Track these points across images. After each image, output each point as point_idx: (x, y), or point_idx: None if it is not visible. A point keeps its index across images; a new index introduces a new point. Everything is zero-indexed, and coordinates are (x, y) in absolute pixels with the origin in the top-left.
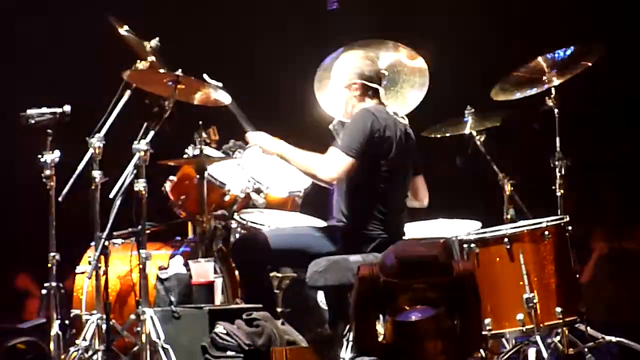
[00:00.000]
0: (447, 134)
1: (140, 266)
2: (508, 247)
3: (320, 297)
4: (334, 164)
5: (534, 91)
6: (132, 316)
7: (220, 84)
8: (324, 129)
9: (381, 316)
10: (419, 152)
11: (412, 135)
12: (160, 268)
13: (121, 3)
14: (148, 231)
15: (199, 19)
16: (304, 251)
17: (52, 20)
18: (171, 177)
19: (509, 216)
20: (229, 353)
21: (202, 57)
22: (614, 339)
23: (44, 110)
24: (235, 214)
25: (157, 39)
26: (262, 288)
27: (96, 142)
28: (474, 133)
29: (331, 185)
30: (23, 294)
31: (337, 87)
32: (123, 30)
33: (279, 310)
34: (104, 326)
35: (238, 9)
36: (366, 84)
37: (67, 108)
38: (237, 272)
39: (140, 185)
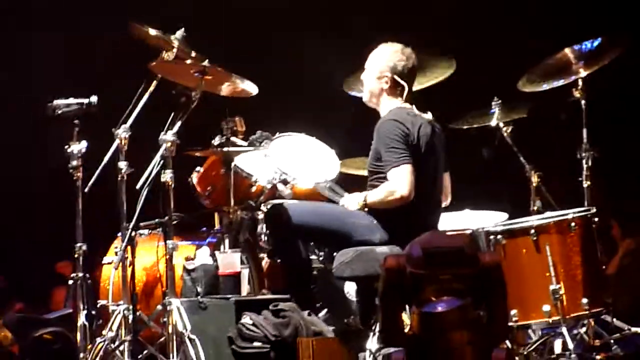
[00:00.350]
0: (474, 125)
1: (167, 257)
2: (534, 238)
3: (347, 287)
4: (400, 181)
5: (561, 82)
6: (159, 307)
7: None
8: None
9: (407, 307)
10: (446, 146)
11: (439, 130)
12: (187, 259)
13: None
14: (175, 222)
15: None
16: (334, 231)
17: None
18: (198, 168)
19: (535, 207)
20: (256, 344)
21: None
22: (639, 329)
23: (71, 100)
24: (262, 204)
25: (183, 29)
26: (296, 254)
27: (122, 132)
28: (501, 124)
29: (409, 199)
30: (60, 280)
31: (368, 75)
32: (150, 33)
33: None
34: (130, 317)
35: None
36: (396, 79)
37: (93, 99)
38: (264, 263)
39: (167, 176)
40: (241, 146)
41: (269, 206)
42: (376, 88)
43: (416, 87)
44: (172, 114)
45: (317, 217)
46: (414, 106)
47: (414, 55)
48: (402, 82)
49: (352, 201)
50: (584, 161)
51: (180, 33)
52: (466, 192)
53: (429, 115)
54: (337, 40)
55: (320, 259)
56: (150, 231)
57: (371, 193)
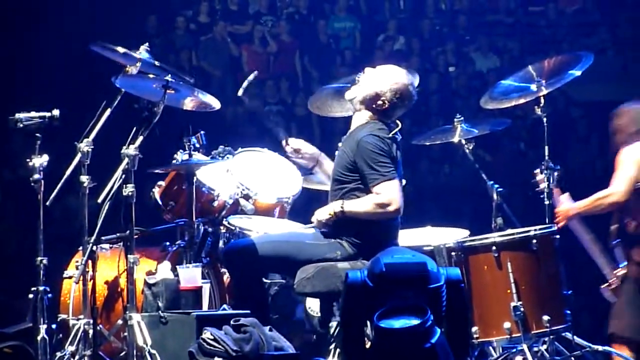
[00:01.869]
0: (437, 142)
1: (128, 271)
2: (496, 255)
3: (309, 303)
4: (394, 195)
5: (522, 100)
6: (120, 321)
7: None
8: None
9: (369, 323)
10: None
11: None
12: (148, 273)
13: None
14: (136, 236)
15: None
16: (294, 258)
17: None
18: (160, 182)
19: (497, 224)
20: (217, 359)
21: None
22: (600, 347)
23: (33, 114)
24: (224, 219)
25: (147, 44)
26: (255, 293)
27: (85, 146)
28: (463, 141)
29: (399, 214)
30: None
31: (363, 88)
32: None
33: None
34: (91, 331)
35: None
36: (394, 102)
37: (56, 112)
38: (225, 277)
39: (129, 190)
40: (203, 161)
41: (223, 250)
42: (364, 104)
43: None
44: (135, 128)
45: (274, 247)
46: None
47: (415, 82)
48: (388, 107)
49: (324, 211)
50: (545, 178)
51: (144, 48)
52: (428, 209)
53: (398, 126)
54: None
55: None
56: (111, 245)
57: (351, 202)
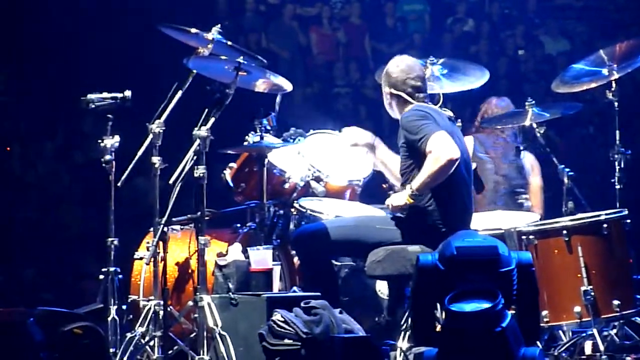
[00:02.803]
0: (508, 126)
1: (199, 253)
2: (566, 239)
3: (379, 286)
4: (444, 145)
5: (593, 84)
6: (190, 303)
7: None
8: None
9: (439, 306)
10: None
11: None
12: (219, 255)
13: None
14: (207, 218)
15: None
16: (364, 242)
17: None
18: (231, 164)
19: (567, 208)
20: (287, 341)
21: None
22: None
23: (105, 95)
24: (295, 201)
25: (219, 26)
26: (325, 277)
27: (156, 127)
28: (534, 125)
29: (457, 161)
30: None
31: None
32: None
33: (341, 298)
34: (161, 312)
35: None
36: (395, 92)
37: (127, 93)
38: (296, 259)
39: (200, 171)
40: (274, 143)
41: (293, 234)
42: (387, 103)
43: (447, 90)
44: (206, 110)
45: (344, 231)
46: (432, 105)
47: (416, 67)
48: (400, 94)
49: (398, 197)
50: (616, 163)
51: (216, 29)
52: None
53: (449, 112)
54: None
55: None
56: (182, 227)
57: (414, 179)
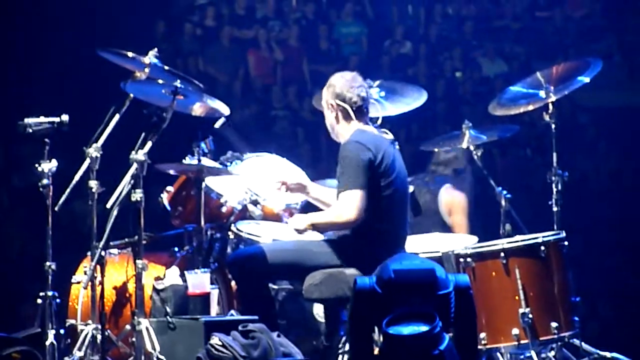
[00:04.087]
0: (445, 148)
1: (137, 276)
2: (504, 261)
3: (317, 309)
4: (349, 205)
5: (531, 107)
6: (128, 326)
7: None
8: None
9: (377, 329)
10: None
11: (398, 150)
12: (157, 279)
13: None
14: (145, 241)
15: None
16: (302, 265)
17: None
18: (168, 188)
19: (505, 231)
20: None
21: None
22: (608, 354)
23: (42, 119)
24: (232, 225)
25: (156, 49)
26: (262, 300)
27: (94, 151)
28: (472, 147)
29: (355, 223)
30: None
31: (324, 109)
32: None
33: (278, 321)
34: (99, 336)
35: None
36: (341, 104)
37: (65, 117)
38: (233, 283)
39: (138, 195)
40: (212, 166)
41: (229, 258)
42: (332, 120)
43: (387, 113)
44: (144, 134)
45: (281, 254)
46: (373, 128)
47: (359, 79)
48: (345, 106)
49: (298, 221)
50: (553, 185)
51: (153, 53)
52: (437, 215)
53: (390, 136)
54: None
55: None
56: (120, 251)
57: (316, 215)
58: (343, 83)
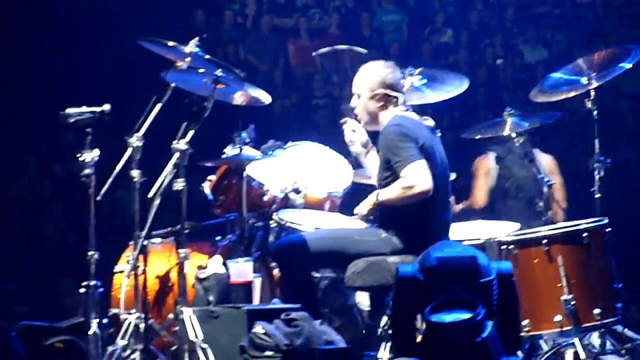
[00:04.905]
0: (487, 136)
1: (179, 265)
2: (546, 248)
3: (359, 297)
4: (419, 176)
5: (572, 93)
6: (171, 315)
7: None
8: None
9: (419, 317)
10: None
11: (439, 137)
12: (199, 267)
13: None
14: (187, 231)
15: None
16: (344, 253)
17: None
18: (210, 177)
19: (547, 218)
20: (267, 353)
21: None
22: None
23: (84, 109)
24: (274, 214)
25: (197, 38)
26: (305, 288)
27: (135, 141)
28: (513, 134)
29: (429, 193)
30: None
31: (360, 99)
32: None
33: (321, 309)
34: (142, 325)
35: None
36: (388, 92)
37: (106, 107)
38: (275, 272)
39: (179, 184)
40: (253, 155)
41: (273, 246)
42: (373, 108)
43: (428, 101)
44: (185, 123)
45: (324, 242)
46: (414, 114)
47: (396, 66)
48: (395, 94)
49: (363, 204)
50: (595, 172)
51: (194, 42)
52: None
53: (431, 122)
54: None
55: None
56: (162, 240)
57: (383, 191)
58: (389, 72)
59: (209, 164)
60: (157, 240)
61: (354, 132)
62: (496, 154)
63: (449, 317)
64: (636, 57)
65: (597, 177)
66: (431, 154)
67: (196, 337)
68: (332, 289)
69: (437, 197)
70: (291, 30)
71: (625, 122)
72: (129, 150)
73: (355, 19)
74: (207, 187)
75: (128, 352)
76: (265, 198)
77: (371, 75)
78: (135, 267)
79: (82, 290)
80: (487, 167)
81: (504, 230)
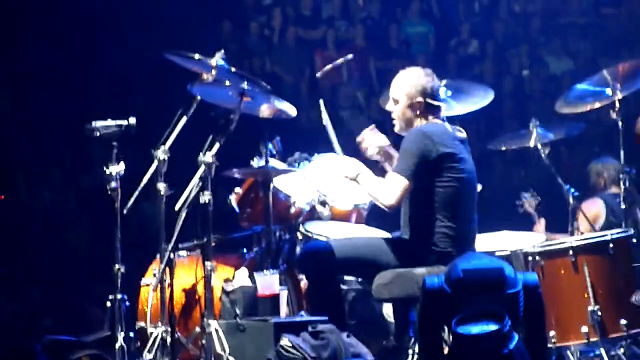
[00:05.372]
0: (512, 147)
1: (206, 278)
2: (573, 259)
3: (386, 309)
4: (391, 190)
5: (598, 105)
6: (198, 329)
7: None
8: None
9: (446, 328)
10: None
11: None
12: (226, 280)
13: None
14: (213, 243)
15: None
16: (370, 262)
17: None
18: (237, 189)
19: (573, 229)
20: None
21: None
22: None
23: (110, 122)
24: (301, 226)
25: (223, 51)
26: (331, 296)
27: (161, 154)
28: (539, 146)
29: (391, 210)
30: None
31: (399, 105)
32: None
33: (348, 322)
34: (169, 339)
35: None
36: (429, 102)
37: (132, 120)
38: (303, 284)
39: (206, 197)
40: (280, 168)
41: (301, 251)
42: (410, 116)
43: (454, 113)
44: (211, 136)
45: (352, 251)
46: (447, 124)
47: (434, 75)
48: (436, 103)
49: (352, 168)
50: (621, 182)
51: (220, 55)
52: (505, 213)
53: (463, 134)
54: None
55: (359, 280)
56: (189, 253)
57: (368, 178)
58: (429, 80)
59: (236, 176)
60: (184, 253)
61: (371, 139)
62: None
63: (476, 329)
64: None
65: (622, 187)
66: (460, 163)
67: (223, 350)
68: (359, 301)
69: (465, 208)
70: (317, 42)
71: None
72: (155, 163)
73: (380, 30)
74: (234, 200)
75: None
76: (292, 210)
77: (411, 83)
78: (162, 281)
79: (108, 304)
80: (595, 213)
81: (531, 241)
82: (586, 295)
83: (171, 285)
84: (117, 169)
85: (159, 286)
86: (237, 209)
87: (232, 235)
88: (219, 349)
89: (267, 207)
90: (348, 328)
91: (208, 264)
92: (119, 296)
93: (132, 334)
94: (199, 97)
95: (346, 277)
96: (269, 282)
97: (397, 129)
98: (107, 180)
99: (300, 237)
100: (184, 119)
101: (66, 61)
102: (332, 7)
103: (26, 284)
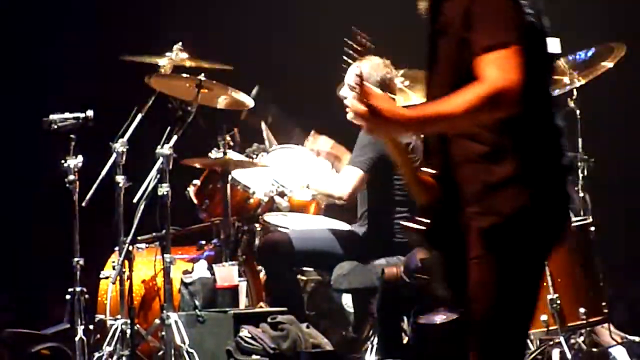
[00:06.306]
0: None
1: (165, 270)
2: None
3: (345, 299)
4: (345, 181)
5: (555, 92)
6: (157, 321)
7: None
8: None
9: (405, 318)
10: None
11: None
12: (185, 272)
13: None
14: (172, 235)
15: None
16: (329, 253)
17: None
18: (195, 181)
19: None
20: (254, 357)
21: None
22: (637, 338)
23: (67, 115)
24: (260, 217)
25: (180, 43)
26: (290, 287)
27: (120, 146)
28: None
29: (346, 202)
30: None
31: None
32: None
33: (307, 312)
34: (128, 331)
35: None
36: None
37: (90, 113)
38: (261, 275)
39: (164, 189)
40: (238, 159)
41: (260, 242)
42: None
43: (411, 103)
44: (169, 128)
45: (311, 242)
46: None
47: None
48: (392, 96)
49: (297, 181)
50: (579, 171)
51: (177, 47)
52: None
53: None
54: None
55: (318, 271)
56: (147, 245)
57: (315, 180)
58: (388, 71)
59: (195, 165)
60: (143, 245)
61: (315, 146)
62: None
63: (435, 319)
64: (618, 55)
65: (580, 175)
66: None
67: (183, 342)
68: (318, 292)
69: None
70: None
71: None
72: (114, 156)
73: None
74: (192, 192)
75: (114, 358)
76: (251, 202)
77: (369, 73)
78: (121, 273)
79: (67, 296)
80: None
81: None
82: (545, 284)
83: (130, 278)
84: (74, 161)
85: (118, 278)
86: (195, 201)
87: (191, 227)
88: (178, 341)
89: (225, 199)
90: (307, 319)
91: (167, 256)
92: (78, 289)
93: (91, 327)
94: (156, 89)
95: (305, 268)
96: (227, 274)
97: (350, 117)
98: (65, 173)
99: (258, 228)
100: (142, 111)
101: (24, 53)
102: None
103: None
